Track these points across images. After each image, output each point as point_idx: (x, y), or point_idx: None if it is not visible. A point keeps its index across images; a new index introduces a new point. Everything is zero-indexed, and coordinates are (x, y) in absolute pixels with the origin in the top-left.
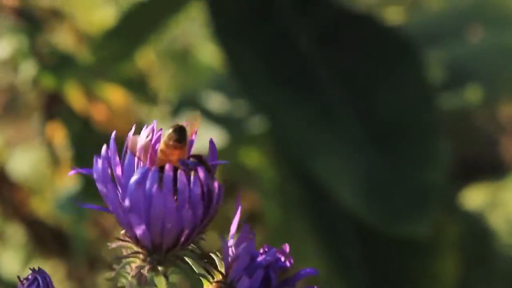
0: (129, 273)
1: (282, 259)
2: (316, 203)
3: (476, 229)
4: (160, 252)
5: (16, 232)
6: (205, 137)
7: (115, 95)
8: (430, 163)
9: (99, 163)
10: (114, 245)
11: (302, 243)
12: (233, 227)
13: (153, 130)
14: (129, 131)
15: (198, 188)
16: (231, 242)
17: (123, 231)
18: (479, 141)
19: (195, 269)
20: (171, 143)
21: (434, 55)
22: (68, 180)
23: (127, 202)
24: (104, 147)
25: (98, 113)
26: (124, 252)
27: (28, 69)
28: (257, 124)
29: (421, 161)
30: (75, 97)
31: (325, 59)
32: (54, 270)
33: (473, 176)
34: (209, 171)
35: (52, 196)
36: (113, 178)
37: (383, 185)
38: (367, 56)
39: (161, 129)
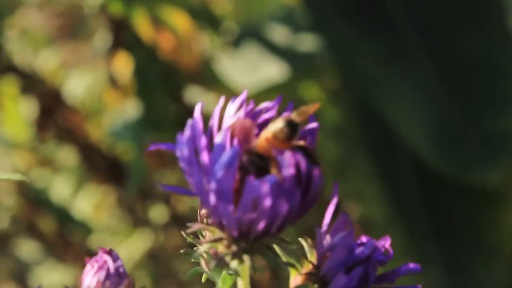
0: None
1: (382, 251)
2: (380, 144)
3: None
4: (247, 241)
5: (69, 156)
6: (266, 69)
7: (180, 23)
8: (504, 110)
9: (183, 142)
10: (195, 227)
11: (361, 182)
12: (328, 215)
13: (242, 105)
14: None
15: (292, 175)
16: (325, 229)
17: (204, 211)
18: None
19: (283, 258)
20: (279, 137)
21: None
22: (126, 107)
23: (213, 187)
24: (188, 124)
25: (164, 42)
26: (207, 236)
27: None
28: (321, 59)
29: (497, 107)
30: (142, 25)
31: None
32: (105, 196)
33: None
34: (313, 160)
35: (108, 121)
36: (197, 155)
37: (455, 129)
38: None
39: (252, 102)
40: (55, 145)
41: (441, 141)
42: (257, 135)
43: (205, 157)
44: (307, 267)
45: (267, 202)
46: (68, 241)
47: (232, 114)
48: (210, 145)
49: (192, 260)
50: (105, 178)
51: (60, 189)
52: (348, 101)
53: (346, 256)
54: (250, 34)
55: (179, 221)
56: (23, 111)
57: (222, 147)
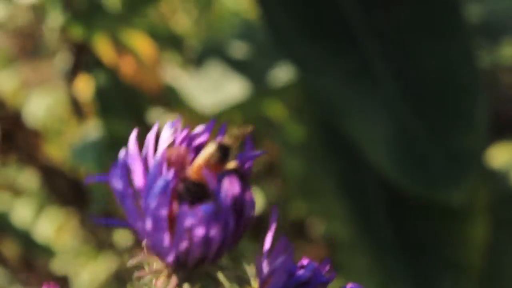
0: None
1: (323, 273)
2: (344, 161)
3: (503, 190)
4: (185, 269)
5: (30, 179)
6: (229, 87)
7: (142, 45)
8: (469, 128)
9: (116, 172)
10: (135, 260)
11: (325, 200)
12: (268, 239)
13: (176, 129)
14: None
15: (228, 202)
16: (264, 255)
17: (144, 243)
18: (507, 98)
19: (225, 284)
20: (212, 162)
21: (470, 8)
22: (88, 129)
23: (149, 215)
24: (122, 152)
25: (126, 66)
26: (147, 268)
27: (56, 16)
28: (283, 76)
29: (460, 126)
30: (103, 47)
31: (366, 14)
32: (68, 218)
33: (499, 134)
34: (246, 184)
35: (68, 143)
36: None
37: (418, 148)
38: (411, 14)
39: (185, 129)
40: (16, 169)
41: (405, 161)
42: (192, 161)
43: (140, 185)
44: None
45: (201, 230)
46: (32, 265)
47: (166, 139)
48: (146, 172)
49: None
50: (67, 201)
51: (21, 212)
52: (312, 119)
53: (286, 279)
54: (212, 52)
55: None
56: None
57: (155, 175)
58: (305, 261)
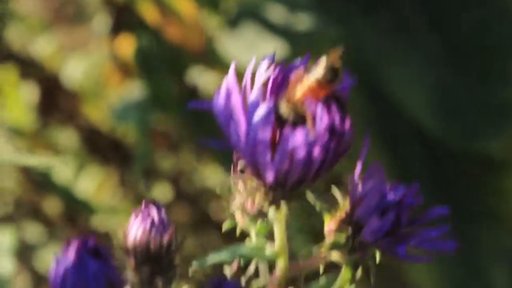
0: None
1: (411, 196)
2: (384, 116)
3: None
4: (283, 189)
5: (71, 139)
6: (265, 47)
7: (184, 5)
8: (507, 78)
9: (220, 98)
10: (233, 178)
11: (369, 157)
12: (360, 163)
13: (272, 63)
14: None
15: (327, 127)
16: (357, 176)
17: (240, 166)
18: None
19: (317, 205)
20: (322, 82)
21: None
22: (128, 89)
23: (251, 139)
24: (224, 80)
25: (168, 26)
26: (243, 186)
27: None
28: (320, 36)
29: (498, 77)
30: (145, 8)
31: None
32: (108, 177)
33: None
34: (344, 111)
35: (109, 103)
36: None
37: (457, 99)
38: None
39: (281, 63)
40: (57, 129)
41: (443, 112)
42: (288, 93)
43: (241, 112)
44: (341, 213)
45: (302, 152)
46: (73, 222)
47: (264, 71)
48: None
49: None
50: (107, 159)
51: (62, 171)
52: (352, 74)
53: (378, 201)
54: (248, 13)
55: (183, 199)
56: (23, 96)
57: (257, 101)
58: (394, 184)
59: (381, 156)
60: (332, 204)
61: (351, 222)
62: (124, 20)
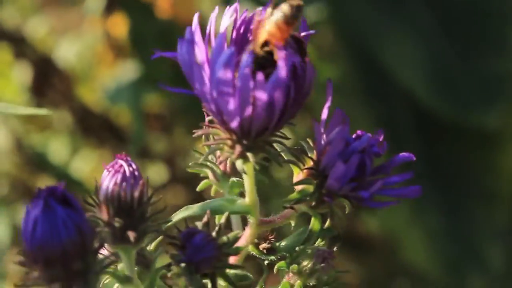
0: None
1: (376, 145)
2: (378, 93)
3: None
4: (249, 138)
5: (65, 120)
6: None
7: None
8: (502, 51)
9: (183, 46)
10: (200, 132)
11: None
12: (325, 112)
13: (236, 11)
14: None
15: (288, 70)
16: (322, 125)
17: (208, 118)
18: None
19: (284, 155)
20: (289, 20)
21: None
22: (121, 69)
23: (214, 82)
24: (187, 30)
25: (162, 1)
26: (211, 140)
27: None
28: (313, 14)
29: (493, 50)
30: None
31: None
32: (102, 158)
33: None
34: (305, 54)
35: (102, 84)
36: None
37: (452, 73)
38: None
39: (245, 10)
40: (51, 109)
41: (439, 85)
42: (251, 39)
43: (204, 58)
44: (308, 164)
45: (264, 95)
46: None
47: (228, 18)
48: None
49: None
50: (101, 141)
51: (57, 151)
52: (345, 54)
53: (343, 148)
54: None
55: (178, 180)
56: (17, 77)
57: (220, 46)
58: (360, 132)
59: (375, 129)
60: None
61: (318, 171)
62: None
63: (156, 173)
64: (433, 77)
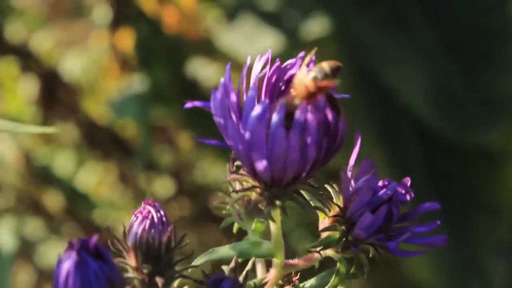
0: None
1: (403, 192)
2: (383, 109)
3: None
4: (279, 187)
5: (71, 133)
6: (263, 39)
7: None
8: (502, 71)
9: (217, 97)
10: (229, 177)
11: (364, 147)
12: (352, 160)
13: (268, 61)
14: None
15: (321, 128)
16: (350, 173)
17: (237, 163)
18: None
19: (311, 202)
20: (327, 79)
21: None
22: (127, 82)
23: (247, 137)
24: (222, 80)
25: (168, 17)
26: (239, 185)
27: None
28: (317, 29)
29: (494, 69)
30: (146, 0)
31: None
32: (108, 171)
33: None
34: (337, 110)
35: (108, 97)
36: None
37: (455, 92)
38: None
39: (277, 60)
40: (57, 123)
41: (441, 104)
42: (285, 90)
43: (236, 111)
44: (334, 210)
45: (296, 151)
46: (73, 215)
47: (259, 71)
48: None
49: (224, 211)
50: (107, 154)
51: (63, 165)
52: (348, 69)
53: (370, 197)
54: (246, 5)
55: (184, 194)
56: (23, 90)
57: (252, 100)
58: (386, 181)
59: (379, 149)
60: (328, 201)
61: (345, 218)
62: (124, 12)
63: (163, 186)
64: (435, 96)
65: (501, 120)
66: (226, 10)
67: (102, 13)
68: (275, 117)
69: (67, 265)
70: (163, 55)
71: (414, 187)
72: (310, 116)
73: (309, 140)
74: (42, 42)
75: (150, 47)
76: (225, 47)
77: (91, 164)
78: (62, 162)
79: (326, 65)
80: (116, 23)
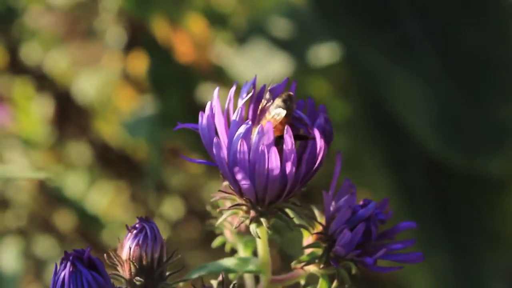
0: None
1: (381, 212)
2: (388, 135)
3: None
4: (263, 205)
5: (83, 153)
6: (273, 65)
7: (195, 24)
8: (507, 100)
9: (204, 119)
10: (217, 196)
11: (371, 172)
12: (334, 181)
13: (253, 86)
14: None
15: (295, 149)
16: (331, 194)
17: (225, 183)
18: None
19: (296, 220)
20: (286, 114)
21: None
22: (140, 105)
23: (232, 157)
24: (208, 103)
25: (180, 44)
26: (227, 204)
27: None
28: (326, 55)
29: (498, 97)
30: (158, 27)
31: None
32: (119, 192)
33: None
34: (304, 138)
35: (120, 119)
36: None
37: (459, 119)
38: None
39: (263, 86)
40: (70, 143)
41: (446, 131)
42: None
43: (223, 132)
44: (318, 228)
45: (277, 170)
46: (84, 236)
47: (244, 95)
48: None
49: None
50: (118, 174)
51: (75, 184)
52: (356, 95)
53: (350, 215)
54: (256, 30)
55: (193, 214)
56: (38, 110)
57: (237, 123)
58: (366, 201)
59: (384, 175)
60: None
61: (327, 236)
62: (137, 37)
63: (172, 206)
64: (439, 122)
65: (505, 148)
66: (237, 34)
67: (116, 35)
68: (256, 137)
69: (63, 274)
70: (174, 81)
71: (419, 212)
72: (288, 140)
73: (288, 161)
74: (57, 62)
75: (162, 73)
76: (235, 73)
77: (102, 184)
78: (74, 182)
79: (279, 101)
80: (130, 46)
